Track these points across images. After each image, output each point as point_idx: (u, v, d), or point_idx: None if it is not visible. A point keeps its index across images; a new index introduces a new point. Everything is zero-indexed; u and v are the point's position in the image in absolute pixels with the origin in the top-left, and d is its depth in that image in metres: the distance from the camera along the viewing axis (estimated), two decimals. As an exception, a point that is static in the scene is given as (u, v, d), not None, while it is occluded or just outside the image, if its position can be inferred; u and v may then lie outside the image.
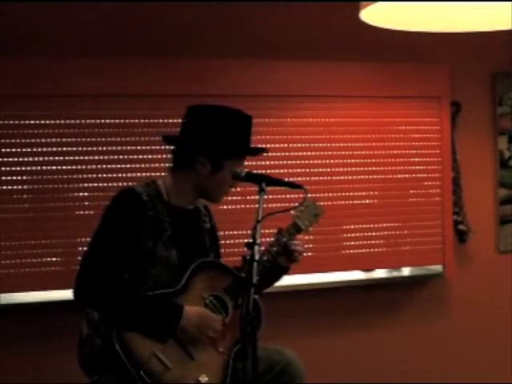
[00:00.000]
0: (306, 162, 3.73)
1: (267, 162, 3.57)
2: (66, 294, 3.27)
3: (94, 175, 3.43)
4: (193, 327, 2.39)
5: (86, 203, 3.43)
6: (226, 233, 3.36)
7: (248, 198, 3.28)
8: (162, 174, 3.38)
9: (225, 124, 2.52)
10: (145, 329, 2.36)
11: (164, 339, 2.38)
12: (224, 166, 2.48)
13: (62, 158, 3.38)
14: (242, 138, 2.52)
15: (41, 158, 3.36)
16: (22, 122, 3.34)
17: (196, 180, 2.52)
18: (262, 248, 2.42)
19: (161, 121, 3.50)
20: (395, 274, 4.00)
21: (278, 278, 2.65)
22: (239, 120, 2.55)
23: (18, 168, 3.34)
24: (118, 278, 2.37)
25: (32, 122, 3.34)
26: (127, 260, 2.39)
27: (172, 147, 2.63)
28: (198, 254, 2.55)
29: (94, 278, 2.37)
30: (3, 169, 3.32)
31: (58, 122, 3.37)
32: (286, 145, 3.60)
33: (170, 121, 3.52)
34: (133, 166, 3.46)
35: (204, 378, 2.40)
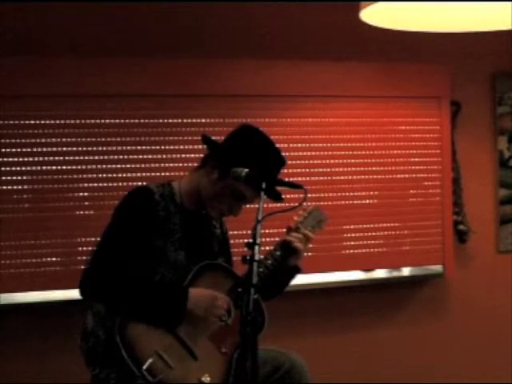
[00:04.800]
0: (306, 162, 3.73)
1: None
2: (66, 294, 3.30)
3: (94, 175, 3.42)
4: (200, 308, 2.40)
5: (86, 203, 3.43)
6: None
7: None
8: (162, 174, 3.41)
9: (256, 148, 2.51)
10: (153, 315, 2.37)
11: (173, 325, 2.38)
12: (228, 179, 2.45)
13: (62, 158, 3.38)
14: (262, 169, 2.43)
15: (41, 158, 3.36)
16: (21, 122, 3.33)
17: (202, 182, 2.52)
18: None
19: (161, 121, 3.51)
20: (395, 274, 4.00)
21: (291, 278, 2.67)
22: (271, 155, 2.53)
23: (18, 168, 3.34)
24: (126, 271, 2.37)
25: (32, 122, 3.34)
26: (136, 257, 2.40)
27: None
28: (206, 258, 2.56)
29: (102, 271, 2.37)
30: (3, 169, 3.32)
31: (57, 121, 3.37)
32: (286, 145, 3.59)
33: (170, 121, 3.52)
34: (133, 165, 3.46)
35: (207, 378, 2.40)
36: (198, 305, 2.40)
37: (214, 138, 2.61)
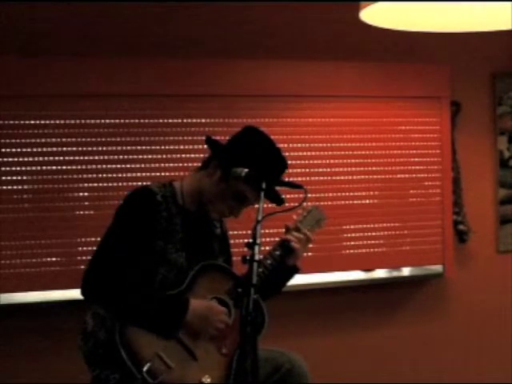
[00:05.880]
0: (306, 162, 3.73)
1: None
2: (66, 294, 3.30)
3: (94, 175, 3.43)
4: (199, 319, 2.39)
5: (86, 203, 3.43)
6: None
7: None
8: (162, 174, 3.41)
9: (258, 150, 2.50)
10: (151, 323, 2.37)
11: (170, 334, 2.38)
12: (230, 180, 2.45)
13: (62, 158, 3.38)
14: (264, 171, 2.41)
15: (41, 158, 3.36)
16: (21, 122, 3.33)
17: (204, 183, 2.52)
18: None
19: (161, 121, 3.51)
20: (395, 274, 4.00)
21: (290, 277, 2.67)
22: (273, 157, 2.52)
23: (18, 168, 3.34)
24: (127, 274, 2.37)
25: (32, 122, 3.34)
26: (138, 258, 2.39)
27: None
28: (207, 258, 2.56)
29: (104, 273, 2.36)
30: (3, 169, 3.32)
31: (58, 121, 3.37)
32: (286, 145, 3.59)
33: (170, 121, 3.52)
34: (133, 165, 3.46)
35: (207, 379, 2.39)
36: (196, 316, 2.39)
37: (214, 138, 2.61)
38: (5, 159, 3.32)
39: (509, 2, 1.99)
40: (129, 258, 2.37)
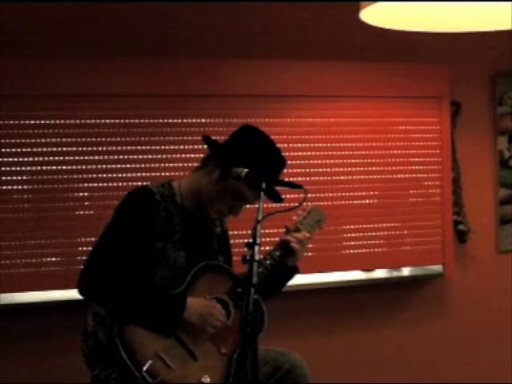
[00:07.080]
0: (306, 162, 3.73)
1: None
2: (66, 294, 3.30)
3: (94, 175, 3.42)
4: (196, 317, 2.40)
5: (86, 203, 3.43)
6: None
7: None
8: (162, 174, 3.41)
9: (257, 148, 2.50)
10: (149, 321, 2.37)
11: (168, 333, 2.38)
12: (229, 179, 2.45)
13: (62, 158, 3.38)
14: (263, 170, 2.42)
15: (41, 158, 3.36)
16: (21, 121, 3.33)
17: (203, 182, 2.52)
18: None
19: (161, 121, 3.51)
20: (395, 273, 4.00)
21: (289, 278, 2.67)
22: (272, 155, 2.52)
23: (18, 168, 3.34)
24: (124, 272, 2.37)
25: (32, 121, 3.34)
26: (136, 258, 2.40)
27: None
28: (206, 258, 2.56)
29: (101, 271, 2.37)
30: (3, 169, 3.32)
31: (57, 122, 3.37)
32: (286, 145, 3.59)
33: (170, 121, 3.53)
34: (133, 165, 3.46)
35: (206, 379, 2.40)
36: (194, 314, 2.40)
37: (214, 138, 2.61)
38: (5, 159, 3.32)
39: (509, 2, 1.99)
40: (126, 257, 2.37)
